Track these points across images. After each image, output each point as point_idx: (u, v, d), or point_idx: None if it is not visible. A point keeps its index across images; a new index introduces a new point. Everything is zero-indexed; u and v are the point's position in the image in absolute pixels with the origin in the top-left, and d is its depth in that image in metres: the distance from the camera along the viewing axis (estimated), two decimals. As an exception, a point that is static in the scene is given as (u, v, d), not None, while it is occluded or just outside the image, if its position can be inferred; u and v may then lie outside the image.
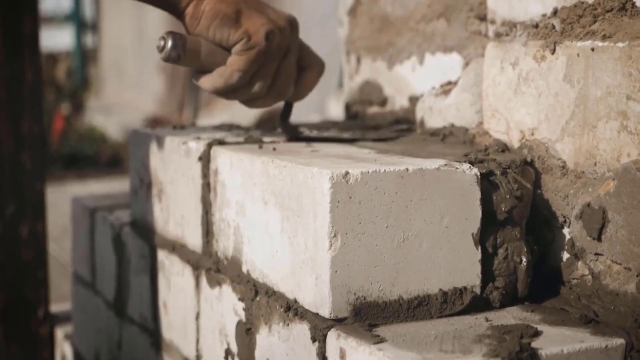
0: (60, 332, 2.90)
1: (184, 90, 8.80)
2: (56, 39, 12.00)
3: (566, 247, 1.56)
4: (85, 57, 12.23)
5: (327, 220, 1.42)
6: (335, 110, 5.05)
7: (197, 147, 1.84)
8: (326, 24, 5.50)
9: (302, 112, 6.30)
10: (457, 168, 1.49)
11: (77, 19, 12.29)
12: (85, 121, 9.39)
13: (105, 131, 8.93)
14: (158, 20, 9.64)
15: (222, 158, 1.75)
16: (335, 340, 1.41)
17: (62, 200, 4.31)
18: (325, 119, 3.81)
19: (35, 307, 2.78)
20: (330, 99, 5.57)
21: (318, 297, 1.45)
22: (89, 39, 12.39)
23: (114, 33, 11.28)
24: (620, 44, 1.46)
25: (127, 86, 10.67)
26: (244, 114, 5.38)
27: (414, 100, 2.16)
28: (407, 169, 1.46)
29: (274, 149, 1.71)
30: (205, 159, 1.81)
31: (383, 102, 2.30)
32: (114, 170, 7.10)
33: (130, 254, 2.21)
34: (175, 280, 1.98)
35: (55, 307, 3.03)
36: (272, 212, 1.58)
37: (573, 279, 1.55)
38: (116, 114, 9.73)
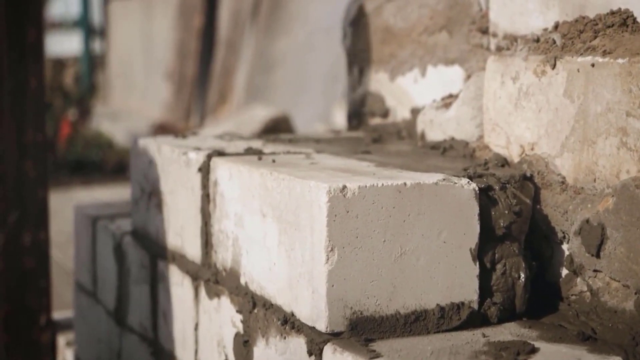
0: (62, 340, 2.90)
1: (191, 98, 8.81)
2: (64, 45, 12.03)
3: (565, 263, 1.55)
4: (93, 63, 12.26)
5: (324, 234, 1.41)
6: (341, 119, 5.05)
7: (196, 158, 1.84)
8: (332, 34, 5.50)
9: (308, 121, 6.31)
10: (455, 183, 1.49)
11: (85, 25, 12.32)
12: (93, 127, 9.40)
13: (112, 137, 8.95)
14: (165, 27, 9.66)
15: (222, 169, 1.75)
16: (331, 355, 1.41)
17: (67, 206, 4.31)
18: (328, 127, 3.81)
19: (37, 315, 2.78)
20: (336, 108, 5.57)
21: (314, 311, 1.45)
22: (97, 45, 12.42)
23: (122, 40, 11.31)
24: (620, 60, 1.46)
25: (135, 93, 10.69)
26: (250, 122, 5.39)
27: (415, 112, 2.15)
28: (405, 184, 1.46)
29: (274, 161, 1.71)
30: (204, 170, 1.81)
31: (385, 113, 2.30)
32: (120, 176, 7.10)
33: (130, 263, 2.21)
34: (174, 291, 1.98)
35: (59, 315, 3.03)
36: (270, 224, 1.58)
37: (572, 295, 1.55)
38: (123, 121, 9.75)
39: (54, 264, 4.45)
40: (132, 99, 10.72)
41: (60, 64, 10.83)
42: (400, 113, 2.25)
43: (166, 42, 9.59)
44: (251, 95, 7.59)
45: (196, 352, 1.89)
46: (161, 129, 8.03)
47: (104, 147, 8.35)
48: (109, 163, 7.67)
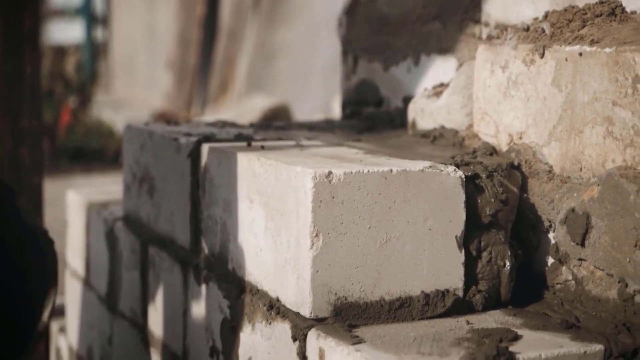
0: (55, 326, 2.90)
1: (192, 87, 8.81)
2: (66, 33, 12.01)
3: (551, 251, 1.56)
4: (95, 51, 12.24)
5: (309, 219, 1.42)
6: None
7: (187, 143, 1.84)
8: (334, 25, 5.49)
9: (310, 112, 6.30)
10: (441, 170, 1.49)
11: (87, 13, 12.30)
12: (94, 115, 9.40)
13: (114, 126, 8.95)
14: (168, 17, 9.65)
15: (211, 155, 1.75)
16: (315, 340, 1.41)
17: (66, 194, 4.33)
18: (327, 117, 3.81)
19: (31, 300, 2.78)
20: (336, 99, 5.56)
21: (299, 297, 1.45)
22: (99, 33, 12.41)
23: (125, 28, 11.29)
24: (607, 49, 1.46)
25: (137, 82, 10.68)
26: (249, 112, 5.39)
27: (408, 101, 2.15)
28: (390, 170, 1.46)
29: (262, 147, 1.71)
30: (194, 156, 1.82)
31: (379, 102, 2.30)
32: (120, 164, 7.09)
33: (122, 249, 2.21)
34: (164, 277, 1.99)
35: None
36: (257, 210, 1.58)
37: (557, 283, 1.55)
38: (125, 109, 9.74)
39: (52, 251, 4.46)
40: (134, 88, 10.72)
41: (61, 51, 10.82)
42: (394, 102, 2.25)
43: (168, 31, 9.58)
44: (253, 86, 7.59)
45: (184, 337, 1.89)
46: (162, 118, 8.03)
47: (104, 135, 8.36)
48: (109, 151, 7.68)
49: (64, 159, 7.36)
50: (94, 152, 7.66)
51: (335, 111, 5.67)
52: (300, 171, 1.44)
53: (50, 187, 4.82)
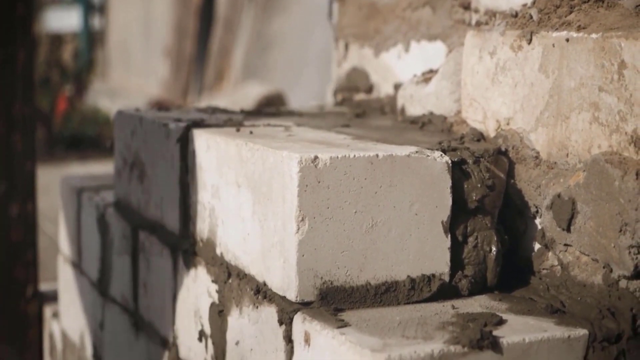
0: (49, 311, 2.91)
1: (189, 76, 8.80)
2: (64, 21, 11.99)
3: (537, 237, 1.56)
4: (92, 39, 12.22)
5: (295, 203, 1.42)
6: (334, 98, 5.03)
7: (176, 128, 1.85)
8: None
9: (305, 100, 6.30)
10: (428, 155, 1.50)
11: (84, 1, 12.27)
12: (90, 103, 9.40)
13: (110, 114, 8.94)
14: (165, 6, 9.64)
15: (199, 140, 1.75)
16: (300, 324, 1.42)
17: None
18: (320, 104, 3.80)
19: (24, 286, 2.79)
20: (330, 87, 5.55)
21: (285, 281, 1.46)
22: (96, 22, 12.38)
23: (122, 17, 11.27)
24: (594, 35, 1.46)
25: (134, 70, 10.67)
26: (244, 99, 5.38)
27: (398, 87, 2.16)
28: (377, 155, 1.46)
29: (251, 132, 1.72)
30: (183, 141, 1.82)
31: (369, 89, 2.30)
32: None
33: (113, 234, 2.22)
34: (154, 262, 1.99)
35: (46, 286, 3.04)
36: (244, 195, 1.59)
37: (543, 269, 1.56)
38: (122, 98, 9.74)
39: (47, 237, 4.47)
40: (131, 77, 10.71)
41: (58, 39, 10.80)
42: (384, 89, 2.25)
43: (165, 20, 9.57)
44: (248, 74, 7.58)
45: (174, 322, 1.90)
46: (158, 105, 8.02)
47: (101, 123, 8.36)
48: (105, 139, 7.68)
49: (60, 146, 7.36)
50: (90, 140, 7.67)
51: (330, 99, 5.67)
52: (286, 156, 1.44)
53: (46, 175, 4.83)
